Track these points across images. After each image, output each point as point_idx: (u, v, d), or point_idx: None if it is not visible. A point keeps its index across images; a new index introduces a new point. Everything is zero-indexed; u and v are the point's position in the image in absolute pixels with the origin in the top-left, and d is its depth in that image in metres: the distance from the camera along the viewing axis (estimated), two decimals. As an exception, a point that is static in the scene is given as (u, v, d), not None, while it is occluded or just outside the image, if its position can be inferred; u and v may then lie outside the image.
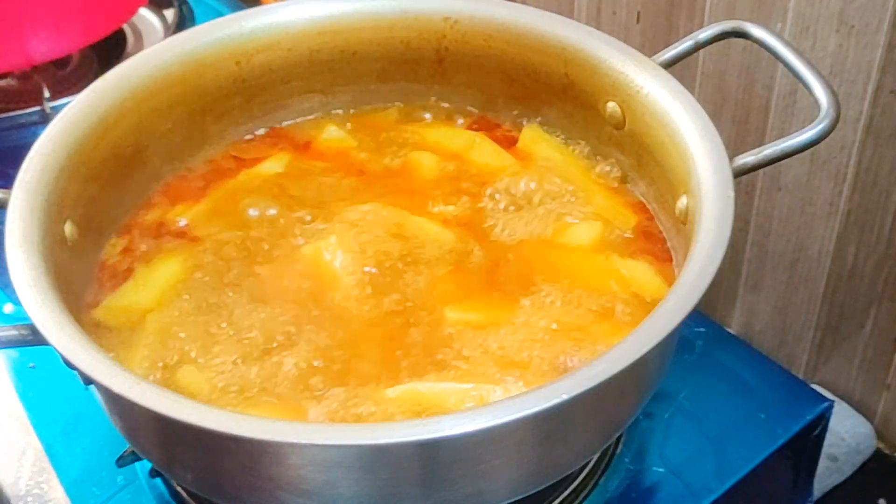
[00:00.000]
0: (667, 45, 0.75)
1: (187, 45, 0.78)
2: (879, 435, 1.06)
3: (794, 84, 0.91)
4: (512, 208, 0.75)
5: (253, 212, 0.76)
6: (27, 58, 1.05)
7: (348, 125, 0.84)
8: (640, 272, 0.71)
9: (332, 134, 0.83)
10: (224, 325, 0.67)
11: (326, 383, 0.63)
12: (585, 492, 0.72)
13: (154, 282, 0.71)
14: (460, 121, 0.84)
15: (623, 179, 0.77)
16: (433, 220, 0.74)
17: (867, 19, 0.85)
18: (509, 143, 0.81)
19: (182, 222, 0.76)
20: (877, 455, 1.05)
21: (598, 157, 0.79)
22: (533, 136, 0.81)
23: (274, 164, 0.81)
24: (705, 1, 0.96)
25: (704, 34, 0.74)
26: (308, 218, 0.75)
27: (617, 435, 0.70)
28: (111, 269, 0.73)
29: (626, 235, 0.73)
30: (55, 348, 0.56)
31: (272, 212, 0.76)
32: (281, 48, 0.81)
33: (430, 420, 0.52)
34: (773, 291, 1.07)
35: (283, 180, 0.80)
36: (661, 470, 0.73)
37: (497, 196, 0.76)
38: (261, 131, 0.84)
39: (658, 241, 0.73)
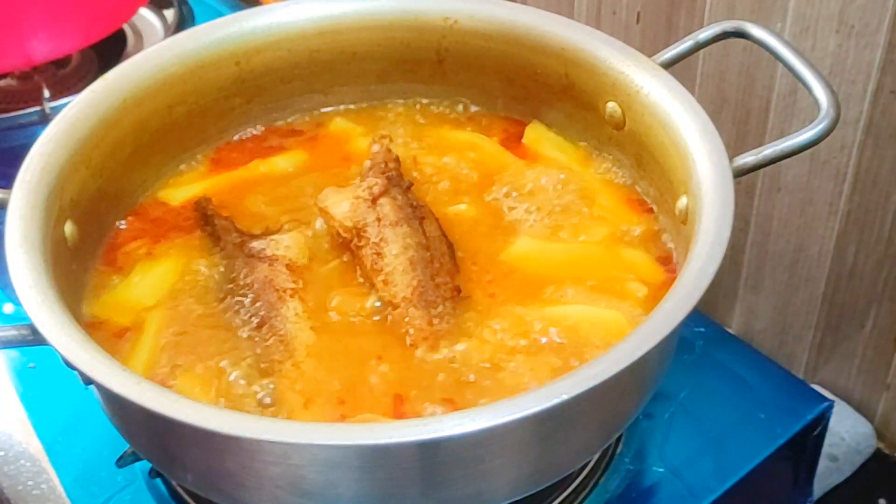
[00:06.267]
0: (667, 45, 0.75)
1: (187, 45, 0.78)
2: (879, 435, 1.06)
3: (794, 84, 0.91)
4: (517, 207, 0.75)
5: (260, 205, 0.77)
6: (27, 58, 1.05)
7: (351, 123, 0.85)
8: (643, 261, 0.71)
9: (339, 126, 0.84)
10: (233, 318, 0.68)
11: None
12: (585, 492, 0.72)
13: (153, 279, 0.71)
14: (461, 121, 0.84)
15: (625, 178, 0.77)
16: (443, 220, 0.74)
17: (867, 19, 0.85)
18: (511, 143, 0.81)
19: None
20: (877, 455, 1.05)
21: (599, 157, 0.79)
22: (536, 136, 0.81)
23: (282, 160, 0.81)
24: (705, 1, 0.96)
25: (704, 34, 0.74)
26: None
27: (617, 435, 0.70)
28: (111, 267, 0.73)
29: (628, 233, 0.73)
30: (55, 348, 0.57)
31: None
32: (281, 48, 0.81)
33: (430, 420, 0.52)
34: (773, 291, 1.07)
35: (286, 175, 0.80)
36: (661, 470, 0.73)
37: (502, 195, 0.76)
38: (261, 130, 0.84)
39: (659, 240, 0.73)
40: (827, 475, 1.02)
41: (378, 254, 0.69)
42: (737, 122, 1.00)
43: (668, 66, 0.73)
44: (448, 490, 0.57)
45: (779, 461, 0.76)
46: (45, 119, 1.05)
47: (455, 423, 0.52)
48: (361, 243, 0.70)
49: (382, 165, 0.75)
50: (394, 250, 0.68)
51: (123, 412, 0.62)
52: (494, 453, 0.56)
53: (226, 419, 0.53)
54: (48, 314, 0.58)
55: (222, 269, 0.71)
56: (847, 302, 1.01)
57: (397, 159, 0.76)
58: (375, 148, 0.77)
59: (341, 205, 0.72)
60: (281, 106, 0.84)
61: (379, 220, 0.70)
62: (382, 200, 0.71)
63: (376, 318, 0.68)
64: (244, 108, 0.82)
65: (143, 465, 0.73)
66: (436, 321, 0.66)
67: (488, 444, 0.55)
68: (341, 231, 0.71)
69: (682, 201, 0.67)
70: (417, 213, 0.71)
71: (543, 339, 0.66)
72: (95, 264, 0.73)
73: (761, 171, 0.73)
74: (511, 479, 0.59)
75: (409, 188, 0.74)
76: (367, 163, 0.76)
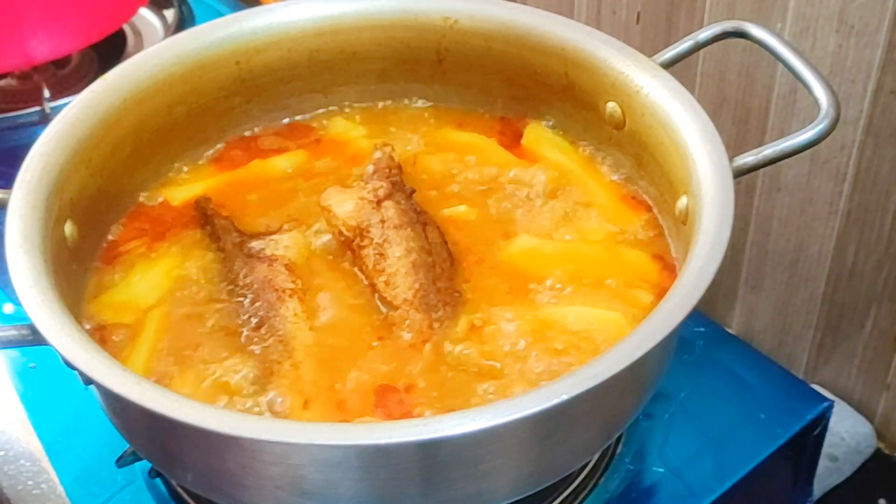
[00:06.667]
0: (667, 45, 0.75)
1: (187, 45, 0.78)
2: (879, 435, 1.06)
3: (794, 84, 0.91)
4: (516, 207, 0.75)
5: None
6: (27, 58, 1.05)
7: (352, 123, 0.85)
8: (643, 261, 0.71)
9: (339, 128, 0.84)
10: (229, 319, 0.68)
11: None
12: (585, 492, 0.72)
13: (152, 279, 0.71)
14: (461, 121, 0.84)
15: (625, 178, 0.77)
16: (443, 221, 0.74)
17: (867, 19, 0.85)
18: (511, 143, 0.81)
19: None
20: (877, 455, 1.05)
21: (599, 157, 0.79)
22: (536, 136, 0.81)
23: (281, 161, 0.81)
24: (705, 1, 0.96)
25: (704, 34, 0.74)
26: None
27: (617, 435, 0.70)
28: (111, 266, 0.73)
29: (628, 233, 0.73)
30: (55, 348, 0.57)
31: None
32: (281, 48, 0.81)
33: (430, 420, 0.52)
34: (773, 291, 1.07)
35: (286, 175, 0.80)
36: (661, 470, 0.73)
37: (502, 196, 0.76)
38: (261, 130, 0.84)
39: (659, 240, 0.73)
40: (827, 475, 1.02)
41: (381, 254, 0.69)
42: (737, 122, 1.00)
43: (668, 66, 0.73)
44: (448, 490, 0.57)
45: (779, 461, 0.76)
46: (45, 119, 1.05)
47: (455, 423, 0.52)
48: (364, 243, 0.70)
49: (386, 171, 0.75)
50: (397, 252, 0.68)
51: (123, 412, 0.62)
52: (494, 453, 0.56)
53: (226, 419, 0.53)
54: (48, 314, 0.58)
55: (222, 269, 0.71)
56: (847, 302, 1.01)
57: (400, 166, 0.76)
58: (378, 154, 0.77)
59: (345, 204, 0.72)
60: (281, 106, 0.84)
61: (383, 221, 0.70)
62: (387, 203, 0.71)
63: (376, 319, 0.68)
64: (244, 108, 0.82)
65: (143, 465, 0.73)
66: (436, 325, 0.66)
67: (488, 444, 0.55)
68: (344, 230, 0.71)
69: (682, 201, 0.67)
70: (420, 219, 0.72)
71: (543, 340, 0.66)
72: (95, 264, 0.73)
73: (761, 171, 0.73)
74: (511, 479, 0.59)
75: (411, 194, 0.74)
76: (370, 167, 0.76)
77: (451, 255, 0.71)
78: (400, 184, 0.74)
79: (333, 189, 0.74)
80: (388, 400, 0.63)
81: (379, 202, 0.71)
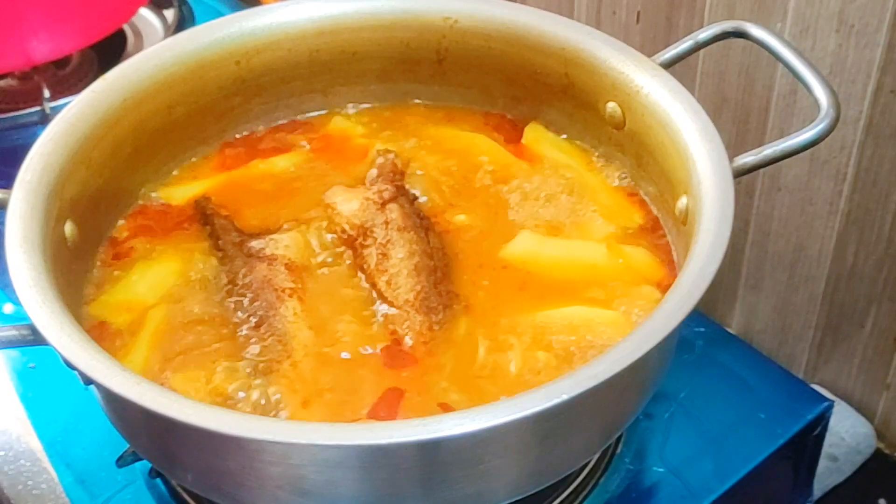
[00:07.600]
0: (667, 45, 0.75)
1: (187, 45, 0.78)
2: (879, 435, 1.06)
3: (794, 84, 0.91)
4: (517, 207, 0.75)
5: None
6: (27, 58, 1.05)
7: (351, 123, 0.85)
8: (643, 261, 0.71)
9: (339, 128, 0.84)
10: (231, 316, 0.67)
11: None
12: (585, 492, 0.72)
13: (152, 278, 0.71)
14: (461, 121, 0.84)
15: (625, 178, 0.77)
16: (443, 223, 0.74)
17: (867, 19, 0.85)
18: (511, 143, 0.81)
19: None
20: (877, 455, 1.05)
21: (599, 157, 0.79)
22: (536, 136, 0.81)
23: (281, 160, 0.81)
24: (705, 1, 0.96)
25: (704, 34, 0.74)
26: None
27: (617, 435, 0.70)
28: (111, 266, 0.73)
29: (628, 233, 0.73)
30: (55, 348, 0.57)
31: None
32: (281, 48, 0.81)
33: (430, 420, 0.52)
34: (773, 291, 1.07)
35: (286, 174, 0.80)
36: (661, 470, 0.73)
37: (502, 196, 0.76)
38: (261, 130, 0.84)
39: (659, 240, 0.73)
40: (827, 475, 1.01)
41: (384, 255, 0.69)
42: (737, 122, 1.00)
43: (668, 66, 0.73)
44: (448, 490, 0.57)
45: (779, 461, 0.76)
46: (45, 119, 1.05)
47: (455, 423, 0.52)
48: (367, 243, 0.70)
49: (390, 175, 0.75)
50: (400, 254, 0.69)
51: (123, 412, 0.62)
52: (494, 453, 0.56)
53: (226, 419, 0.53)
54: (48, 314, 0.58)
55: (221, 268, 0.71)
56: (847, 302, 1.01)
57: (403, 172, 0.77)
58: (381, 160, 0.77)
59: (350, 202, 0.72)
60: (281, 106, 0.84)
61: (387, 223, 0.70)
62: (391, 206, 0.72)
63: (375, 319, 0.68)
64: (244, 107, 0.82)
65: (143, 465, 0.73)
66: (436, 327, 0.66)
67: (488, 444, 0.55)
68: (347, 228, 0.71)
69: (682, 201, 0.67)
70: (423, 224, 0.72)
71: (544, 340, 0.66)
72: (95, 264, 0.73)
73: (761, 171, 0.73)
74: (511, 479, 0.59)
75: (414, 200, 0.74)
76: (374, 171, 0.76)
77: (451, 259, 0.71)
78: (403, 189, 0.75)
79: (338, 188, 0.74)
80: (387, 400, 0.63)
81: (384, 204, 0.72)
